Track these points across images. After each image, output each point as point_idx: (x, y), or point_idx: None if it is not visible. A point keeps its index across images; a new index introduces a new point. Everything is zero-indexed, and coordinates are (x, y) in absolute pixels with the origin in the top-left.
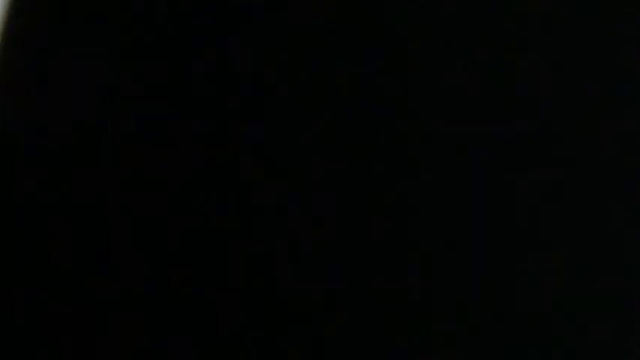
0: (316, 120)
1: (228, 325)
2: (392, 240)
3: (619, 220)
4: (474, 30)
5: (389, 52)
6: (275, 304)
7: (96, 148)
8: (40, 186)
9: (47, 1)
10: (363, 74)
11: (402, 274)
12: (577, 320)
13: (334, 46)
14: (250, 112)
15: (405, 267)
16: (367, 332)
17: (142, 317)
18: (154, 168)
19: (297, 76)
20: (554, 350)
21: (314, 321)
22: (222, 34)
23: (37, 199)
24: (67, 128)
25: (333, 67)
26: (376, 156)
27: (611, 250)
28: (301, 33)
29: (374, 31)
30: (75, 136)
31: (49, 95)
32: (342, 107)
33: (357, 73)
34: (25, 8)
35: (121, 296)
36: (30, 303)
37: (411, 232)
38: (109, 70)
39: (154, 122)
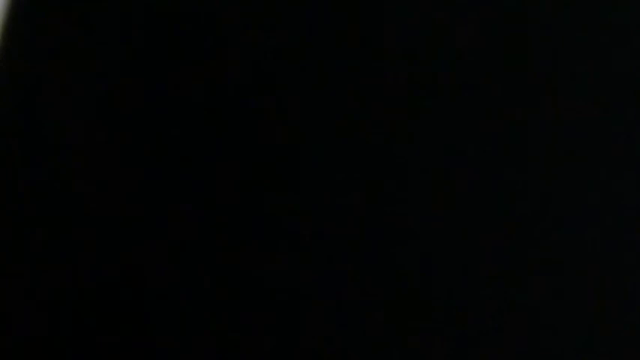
0: (315, 120)
1: (227, 326)
2: (391, 241)
3: (620, 221)
4: (475, 29)
5: (390, 53)
6: (273, 305)
7: (96, 148)
8: (39, 186)
9: (47, 1)
10: (364, 74)
11: (402, 277)
12: (577, 323)
13: (334, 46)
14: (249, 112)
15: (405, 270)
16: (368, 334)
17: (143, 317)
18: (154, 168)
19: (297, 76)
20: (554, 351)
21: (313, 322)
22: (221, 33)
23: (37, 199)
24: (66, 128)
25: (332, 68)
26: (378, 157)
27: (611, 252)
28: (300, 33)
29: (374, 31)
30: (75, 136)
31: (49, 95)
32: (343, 107)
33: (357, 72)
34: (25, 8)
35: (121, 296)
36: (30, 303)
37: (411, 233)
38: (109, 70)
39: (154, 122)
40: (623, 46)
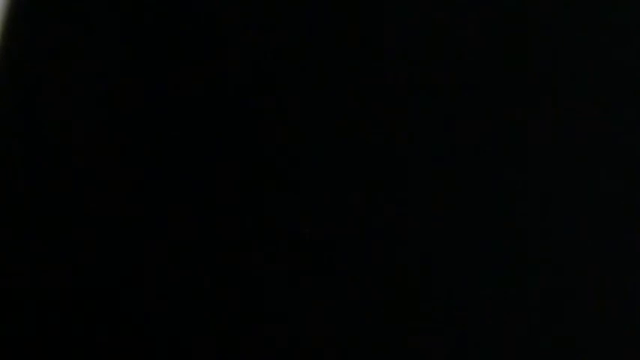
0: (315, 120)
1: (226, 327)
2: (390, 243)
3: (620, 221)
4: (475, 29)
5: (390, 53)
6: (271, 307)
7: (96, 148)
8: (39, 186)
9: (47, 1)
10: (364, 74)
11: (401, 279)
12: (579, 324)
13: (334, 46)
14: (249, 112)
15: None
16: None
17: (143, 317)
18: (154, 168)
19: (297, 76)
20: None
21: (312, 324)
22: (221, 33)
23: (37, 199)
24: (66, 128)
25: (332, 68)
26: (378, 157)
27: (611, 252)
28: (300, 33)
29: (374, 31)
30: (75, 135)
31: (49, 95)
32: (343, 107)
33: (357, 72)
34: (25, 8)
35: (120, 296)
36: (30, 303)
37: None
38: (109, 70)
39: (154, 122)
40: (623, 46)
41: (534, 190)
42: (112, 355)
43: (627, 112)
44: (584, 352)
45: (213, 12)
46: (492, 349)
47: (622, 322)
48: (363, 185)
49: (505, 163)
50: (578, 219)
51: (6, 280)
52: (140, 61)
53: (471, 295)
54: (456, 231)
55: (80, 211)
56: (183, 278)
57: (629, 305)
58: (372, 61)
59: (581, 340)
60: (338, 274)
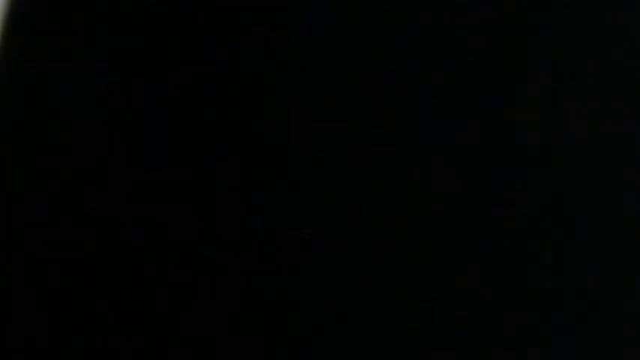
0: (314, 120)
1: (228, 328)
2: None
3: (620, 221)
4: (475, 29)
5: (390, 53)
6: (272, 307)
7: (96, 148)
8: (40, 186)
9: (47, 1)
10: (364, 74)
11: (403, 278)
12: (578, 320)
13: (335, 46)
14: (249, 112)
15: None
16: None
17: (142, 318)
18: (154, 168)
19: (297, 76)
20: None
21: (313, 326)
22: (222, 33)
23: (38, 199)
24: (66, 128)
25: (332, 68)
26: (377, 157)
27: (611, 252)
28: (300, 33)
29: (374, 31)
30: (75, 135)
31: (50, 95)
32: (343, 107)
33: (358, 72)
34: (25, 8)
35: (120, 297)
36: (30, 303)
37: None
38: (109, 70)
39: (154, 122)
40: (623, 46)
41: (534, 190)
42: (112, 354)
43: (627, 111)
44: (584, 352)
45: (213, 12)
46: (493, 349)
47: (622, 322)
48: (363, 185)
49: (505, 163)
50: (577, 219)
51: (6, 280)
52: (140, 61)
53: (471, 295)
54: (456, 231)
55: (80, 211)
56: (183, 278)
57: (629, 305)
58: (371, 62)
59: (581, 339)
60: (338, 274)
